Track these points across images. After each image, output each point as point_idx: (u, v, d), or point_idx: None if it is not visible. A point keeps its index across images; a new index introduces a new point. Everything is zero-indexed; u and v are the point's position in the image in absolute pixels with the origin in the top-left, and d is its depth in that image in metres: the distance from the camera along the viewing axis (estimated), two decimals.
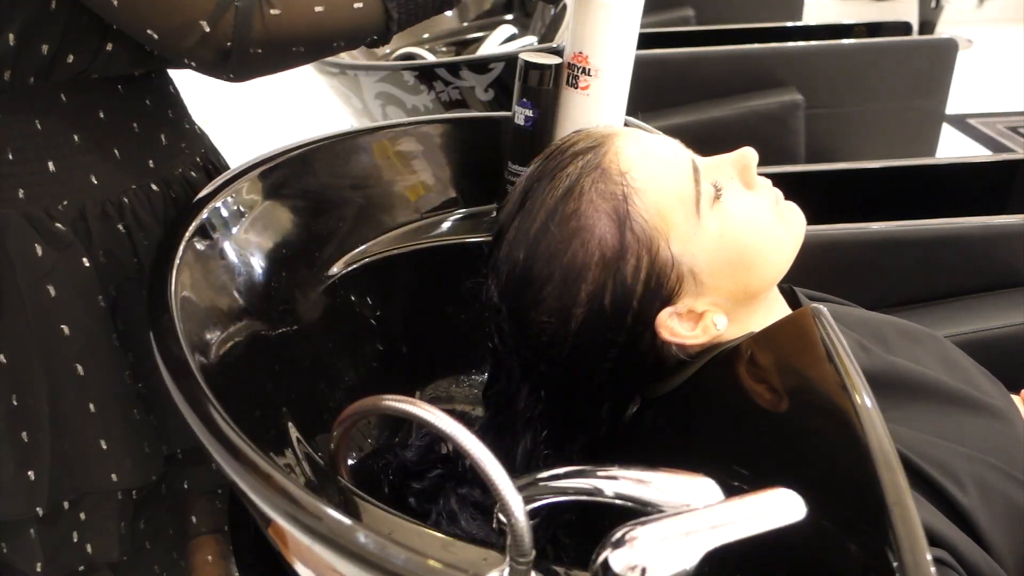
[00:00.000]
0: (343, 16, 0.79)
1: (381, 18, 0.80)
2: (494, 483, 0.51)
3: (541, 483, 0.59)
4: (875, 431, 0.52)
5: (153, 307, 0.74)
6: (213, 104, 0.90)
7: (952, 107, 2.18)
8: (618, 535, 0.48)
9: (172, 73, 0.95)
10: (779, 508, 0.48)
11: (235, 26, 0.74)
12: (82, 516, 0.88)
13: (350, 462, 0.85)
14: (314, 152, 0.95)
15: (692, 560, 0.48)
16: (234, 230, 0.87)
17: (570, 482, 0.58)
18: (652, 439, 0.77)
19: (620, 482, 0.55)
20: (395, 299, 0.97)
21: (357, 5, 0.79)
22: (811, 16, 3.30)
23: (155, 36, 0.75)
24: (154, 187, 0.88)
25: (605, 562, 0.48)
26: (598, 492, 0.56)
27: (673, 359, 0.73)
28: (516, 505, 0.51)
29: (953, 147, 3.11)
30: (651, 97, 1.68)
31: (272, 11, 0.76)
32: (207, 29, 0.74)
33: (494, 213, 1.01)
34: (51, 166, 0.81)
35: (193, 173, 0.93)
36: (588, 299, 0.70)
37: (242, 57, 0.76)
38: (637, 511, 0.54)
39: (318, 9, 0.77)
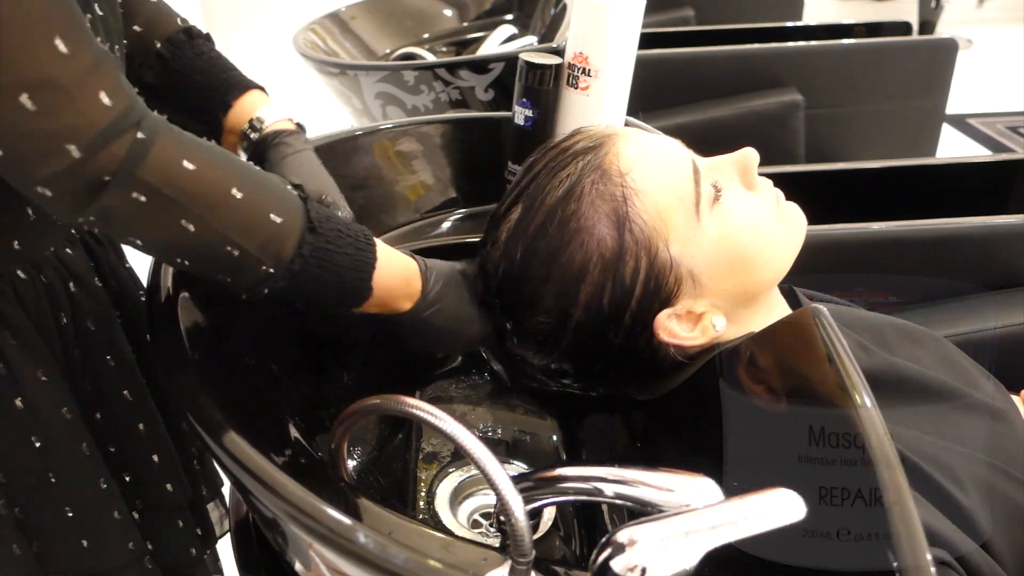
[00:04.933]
0: (256, 212, 0.63)
1: (293, 242, 0.64)
2: (495, 483, 0.51)
3: (541, 483, 0.59)
4: (875, 431, 0.52)
5: (153, 307, 0.74)
6: None
7: (952, 107, 2.18)
8: (618, 536, 0.48)
9: None
10: (779, 508, 0.48)
11: (124, 158, 0.56)
12: None
13: (351, 463, 0.85)
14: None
15: (692, 560, 0.48)
16: None
17: (571, 483, 0.58)
18: (651, 440, 0.77)
19: (620, 483, 0.55)
20: None
21: (275, 217, 0.64)
22: (811, 16, 3.29)
23: None
24: (20, 273, 0.75)
25: (605, 562, 0.48)
26: (598, 492, 0.56)
27: (672, 360, 0.73)
28: (516, 505, 0.51)
29: (953, 147, 3.11)
30: (651, 97, 1.68)
31: (186, 163, 0.59)
32: (77, 155, 0.55)
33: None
34: None
35: (68, 250, 0.79)
36: (586, 300, 0.70)
37: (118, 198, 0.57)
38: (637, 511, 0.54)
39: (236, 193, 0.62)
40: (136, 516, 0.85)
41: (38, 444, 0.76)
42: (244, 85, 0.86)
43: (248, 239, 0.63)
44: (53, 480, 0.77)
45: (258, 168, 0.67)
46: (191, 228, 0.61)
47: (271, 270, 0.64)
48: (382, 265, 0.70)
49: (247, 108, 0.85)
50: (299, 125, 0.87)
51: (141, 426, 0.84)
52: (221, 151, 0.64)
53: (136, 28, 0.84)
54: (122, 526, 0.81)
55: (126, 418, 0.83)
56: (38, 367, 0.75)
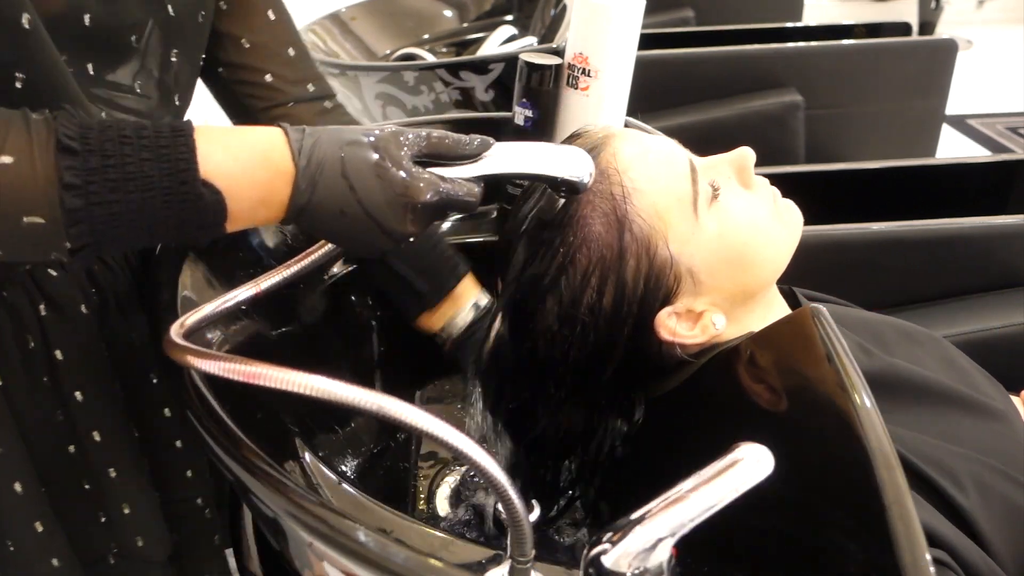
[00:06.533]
0: None
1: (49, 191, 0.51)
2: (497, 482, 0.51)
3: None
4: (875, 431, 0.52)
5: (154, 307, 0.74)
6: (213, 104, 0.88)
7: (952, 107, 2.18)
8: (606, 532, 0.48)
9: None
10: (750, 463, 0.48)
11: None
12: None
13: (353, 463, 0.85)
14: None
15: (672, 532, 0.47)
16: None
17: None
18: (651, 439, 0.77)
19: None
20: None
21: (2, 160, 0.51)
22: (811, 16, 3.29)
23: None
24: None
25: (596, 558, 0.48)
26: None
27: (672, 359, 0.73)
28: (519, 505, 0.51)
29: (953, 147, 3.12)
30: (651, 97, 1.68)
31: None
32: None
33: (494, 213, 1.01)
34: None
35: (52, 271, 0.74)
36: (588, 300, 0.70)
37: None
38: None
39: None
40: (112, 560, 0.81)
41: None
42: None
43: None
44: None
45: None
46: None
47: (40, 220, 0.52)
48: (214, 153, 0.56)
49: None
50: None
51: (112, 472, 0.78)
52: None
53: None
54: (62, 574, 0.77)
55: (97, 460, 0.78)
56: None
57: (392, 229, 0.60)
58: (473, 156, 0.63)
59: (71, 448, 0.77)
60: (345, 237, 0.61)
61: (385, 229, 0.59)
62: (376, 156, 0.59)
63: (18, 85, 0.62)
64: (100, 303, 0.77)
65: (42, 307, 0.73)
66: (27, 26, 0.61)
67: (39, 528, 0.75)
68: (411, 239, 0.61)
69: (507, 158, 0.64)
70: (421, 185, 0.59)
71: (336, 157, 0.58)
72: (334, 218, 0.59)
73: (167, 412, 0.83)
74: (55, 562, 0.76)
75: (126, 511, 0.80)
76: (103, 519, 0.80)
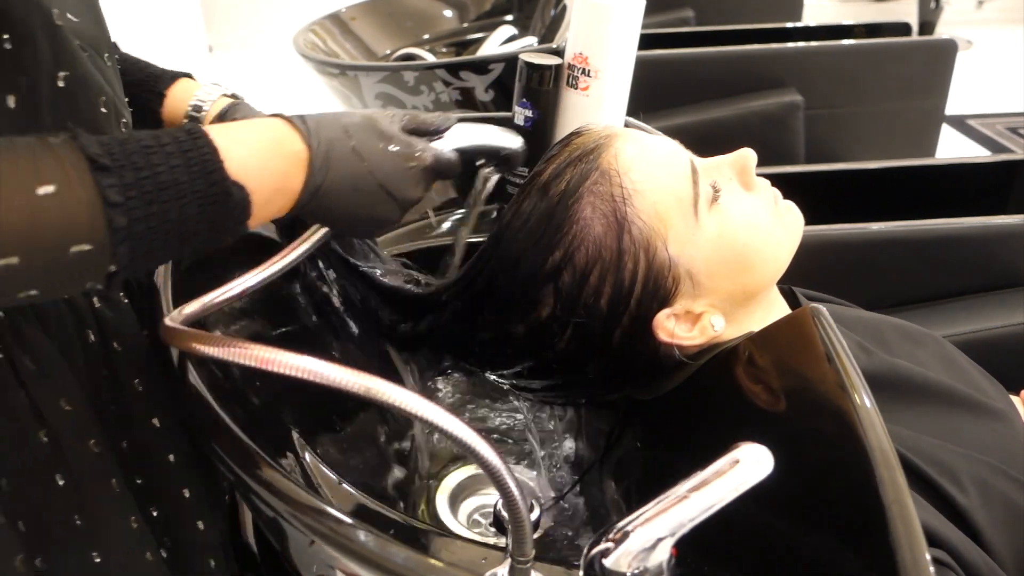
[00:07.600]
0: (17, 206, 0.47)
1: (94, 214, 0.49)
2: (501, 478, 0.51)
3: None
4: (874, 431, 0.52)
5: (154, 308, 0.74)
6: None
7: (952, 108, 2.18)
8: (607, 533, 0.49)
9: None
10: (749, 463, 0.48)
11: None
12: None
13: (354, 462, 0.85)
14: None
15: (673, 533, 0.47)
16: None
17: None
18: (650, 439, 0.77)
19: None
20: None
21: (44, 190, 0.48)
22: (811, 16, 3.30)
23: None
24: None
25: (596, 557, 0.48)
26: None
27: (671, 360, 0.73)
28: (521, 504, 0.51)
29: (953, 147, 3.12)
30: (651, 97, 1.68)
31: None
32: None
33: (494, 213, 1.01)
34: None
35: None
36: (586, 301, 0.70)
37: None
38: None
39: None
40: (164, 554, 0.78)
41: (62, 483, 0.68)
42: (171, 74, 0.83)
43: (37, 238, 0.48)
44: (79, 522, 0.70)
45: None
46: None
47: (88, 247, 0.50)
48: (233, 149, 0.56)
49: (181, 96, 0.82)
50: (235, 95, 0.83)
51: (172, 457, 0.77)
52: None
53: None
54: (155, 569, 0.75)
55: (156, 448, 0.76)
56: (60, 395, 0.67)
57: (404, 196, 0.65)
58: (442, 132, 0.70)
59: (124, 443, 0.75)
60: (355, 215, 0.64)
61: (397, 198, 0.64)
62: (376, 131, 0.63)
63: (60, 84, 0.61)
64: (128, 292, 0.77)
65: (95, 299, 0.72)
66: (58, 21, 0.60)
67: (134, 524, 0.73)
68: (415, 205, 0.66)
69: (464, 134, 0.72)
70: (423, 152, 0.66)
71: (341, 135, 0.62)
72: (347, 196, 0.62)
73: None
74: (149, 556, 0.75)
75: (187, 494, 0.78)
76: (155, 513, 0.78)
